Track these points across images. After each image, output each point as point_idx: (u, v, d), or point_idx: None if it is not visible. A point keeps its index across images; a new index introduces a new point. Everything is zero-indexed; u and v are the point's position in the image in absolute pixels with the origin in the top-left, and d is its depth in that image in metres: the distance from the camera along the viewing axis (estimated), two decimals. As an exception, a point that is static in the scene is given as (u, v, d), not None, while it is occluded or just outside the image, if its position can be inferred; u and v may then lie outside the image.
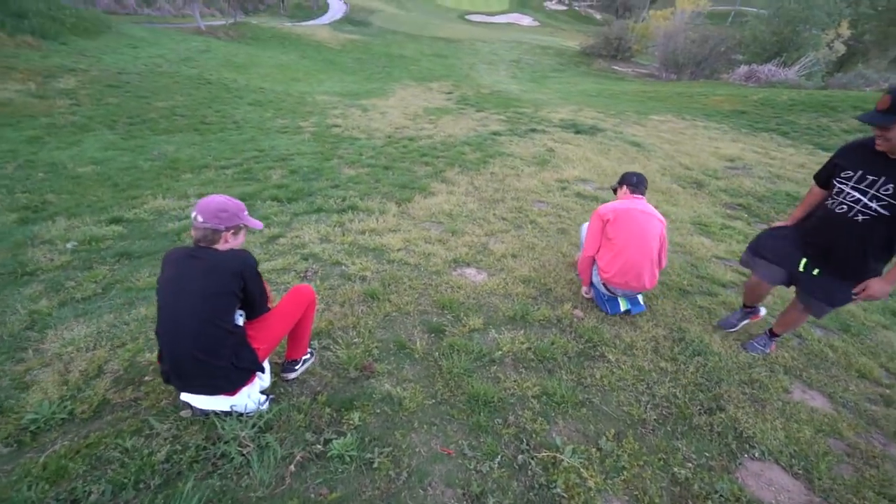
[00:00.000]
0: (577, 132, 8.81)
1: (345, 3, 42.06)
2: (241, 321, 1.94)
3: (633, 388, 2.36)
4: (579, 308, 3.00)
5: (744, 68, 21.21)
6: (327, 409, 2.08)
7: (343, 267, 3.36)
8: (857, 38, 31.56)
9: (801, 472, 1.98)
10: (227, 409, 1.93)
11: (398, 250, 3.66)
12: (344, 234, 3.93)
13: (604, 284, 2.88)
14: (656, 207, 5.10)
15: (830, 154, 2.31)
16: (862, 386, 2.62)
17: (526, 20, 50.13)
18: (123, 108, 9.07)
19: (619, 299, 2.93)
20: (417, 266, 3.42)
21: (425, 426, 2.04)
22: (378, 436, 1.97)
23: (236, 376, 1.87)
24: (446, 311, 2.87)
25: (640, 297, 2.98)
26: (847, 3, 29.36)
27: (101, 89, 9.93)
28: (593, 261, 2.92)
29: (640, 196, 2.92)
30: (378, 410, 2.10)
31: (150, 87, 10.76)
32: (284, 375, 2.25)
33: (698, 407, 2.26)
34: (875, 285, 2.11)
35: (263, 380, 2.03)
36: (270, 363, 2.25)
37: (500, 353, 2.51)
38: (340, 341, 2.53)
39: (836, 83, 19.75)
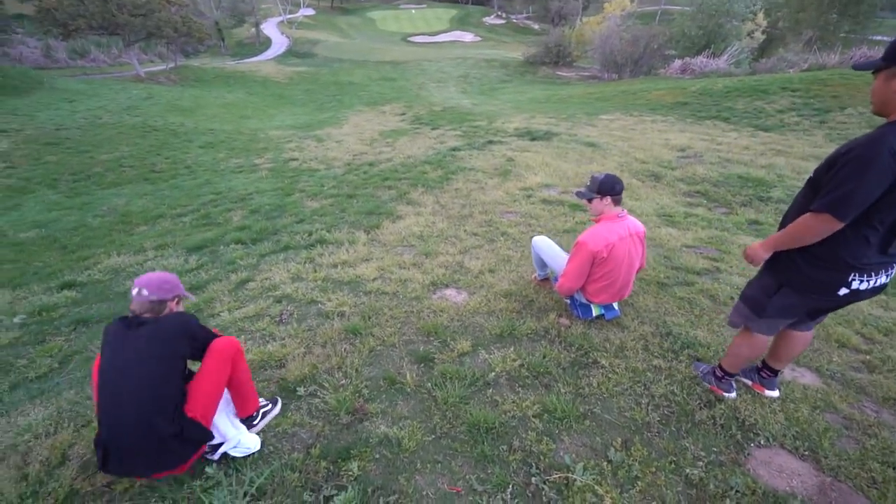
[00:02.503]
0: (533, 139, 8.97)
1: (287, 37, 41.91)
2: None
3: (632, 390, 2.33)
4: (564, 315, 2.97)
5: (678, 62, 22.36)
6: (323, 463, 1.94)
7: (319, 305, 3.22)
8: (773, 25, 33.96)
9: (807, 453, 1.98)
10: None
11: (374, 280, 3.55)
12: (316, 270, 3.79)
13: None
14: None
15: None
16: (844, 355, 2.68)
17: (468, 36, 51.35)
18: (65, 165, 8.63)
19: (592, 306, 2.86)
20: (396, 294, 3.32)
21: (429, 465, 1.93)
22: (381, 484, 1.84)
23: (183, 449, 1.79)
24: (432, 338, 2.78)
25: (614, 303, 2.91)
26: (759, -6, 31.68)
27: (38, 148, 9.43)
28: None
29: (622, 209, 2.65)
30: (377, 455, 1.97)
31: (92, 140, 10.31)
32: None
33: (697, 401, 2.24)
34: (750, 247, 1.88)
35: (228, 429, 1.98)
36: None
37: (493, 374, 2.43)
38: (327, 385, 2.39)
39: (763, 68, 21.07)
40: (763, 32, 30.90)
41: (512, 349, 2.64)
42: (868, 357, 2.66)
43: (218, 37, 36.40)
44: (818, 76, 13.14)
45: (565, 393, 2.31)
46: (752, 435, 2.07)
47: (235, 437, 1.95)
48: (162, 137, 11.16)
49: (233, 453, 1.94)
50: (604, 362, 2.52)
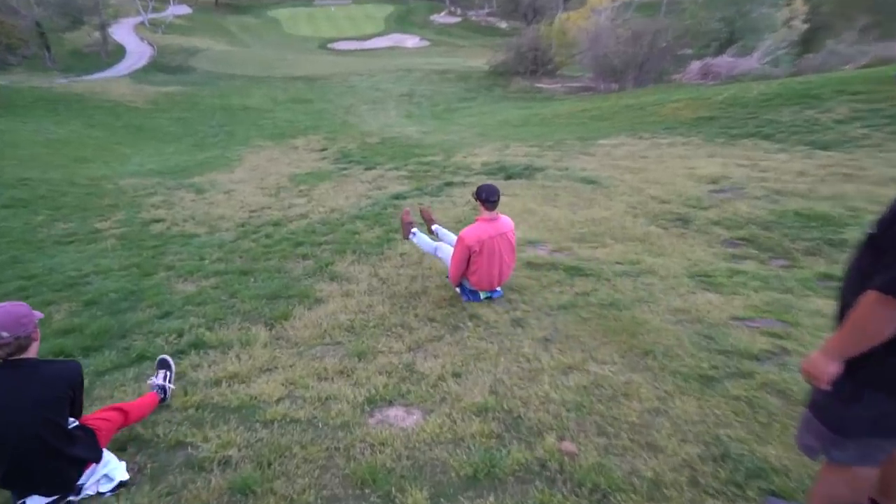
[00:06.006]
0: (509, 177, 9.34)
1: (149, 44, 43.04)
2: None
3: (678, 551, 2.25)
4: (567, 438, 2.91)
5: (696, 64, 24.53)
6: None
7: (189, 449, 3.03)
8: (815, 11, 38.02)
9: None
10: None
11: (278, 401, 3.43)
12: (186, 393, 3.61)
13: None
14: (636, 262, 5.42)
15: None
16: None
17: (411, 41, 54.71)
18: None
19: (479, 292, 4.74)
20: (312, 421, 3.19)
21: None
22: None
23: (76, 470, 2.55)
24: (368, 490, 2.64)
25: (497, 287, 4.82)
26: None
27: None
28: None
29: (496, 214, 4.54)
30: None
31: None
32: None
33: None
34: (807, 361, 1.84)
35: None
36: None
37: (466, 543, 2.31)
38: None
39: (809, 66, 23.35)
40: (804, 21, 34.46)
41: (492, 498, 2.54)
42: None
43: (40, 43, 36.53)
44: (885, 73, 14.54)
45: (579, 565, 2.20)
46: None
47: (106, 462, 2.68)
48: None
49: (101, 489, 2.61)
50: (633, 509, 2.45)
